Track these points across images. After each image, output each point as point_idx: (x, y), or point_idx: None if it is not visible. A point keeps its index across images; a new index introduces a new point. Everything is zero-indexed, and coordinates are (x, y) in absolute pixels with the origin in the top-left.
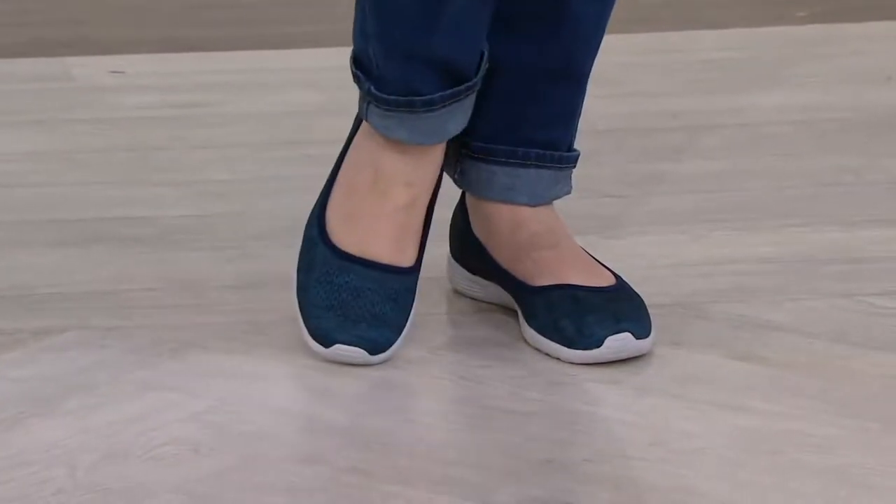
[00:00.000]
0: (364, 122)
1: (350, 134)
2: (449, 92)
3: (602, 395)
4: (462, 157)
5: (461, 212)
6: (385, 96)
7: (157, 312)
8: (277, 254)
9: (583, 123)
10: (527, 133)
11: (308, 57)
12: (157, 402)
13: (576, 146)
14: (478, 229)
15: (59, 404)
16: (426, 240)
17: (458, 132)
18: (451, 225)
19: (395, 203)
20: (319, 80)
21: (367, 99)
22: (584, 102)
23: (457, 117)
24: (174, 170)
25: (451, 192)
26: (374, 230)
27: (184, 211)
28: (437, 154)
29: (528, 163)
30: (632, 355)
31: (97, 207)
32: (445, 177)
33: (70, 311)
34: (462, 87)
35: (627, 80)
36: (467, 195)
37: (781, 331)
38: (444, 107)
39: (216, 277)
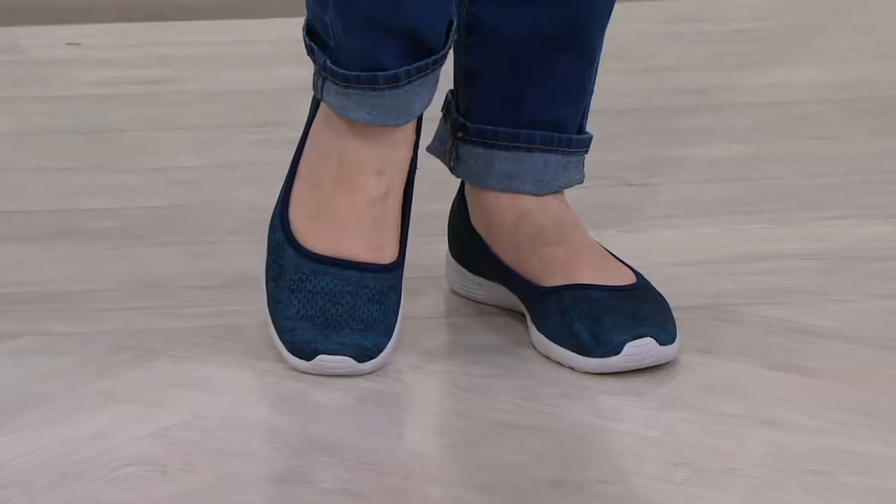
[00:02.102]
0: (322, 103)
1: (308, 118)
2: (415, 66)
3: (620, 409)
4: (458, 141)
5: (459, 204)
6: (343, 71)
7: (120, 316)
8: (255, 249)
9: (598, 103)
10: (530, 113)
11: (292, 27)
12: (121, 416)
13: (588, 128)
14: (478, 223)
15: (12, 419)
16: (407, 232)
17: (424, 111)
18: (449, 219)
19: (367, 195)
20: (305, 53)
21: (322, 74)
22: (598, 78)
23: (423, 94)
24: (139, 154)
25: (448, 183)
26: (345, 227)
27: (150, 201)
28: (408, 135)
29: (533, 147)
30: (654, 364)
31: (51, 198)
32: (440, 164)
33: (23, 315)
34: (430, 59)
35: (648, 53)
36: (466, 185)
37: (822, 336)
38: (409, 82)
39: (186, 276)
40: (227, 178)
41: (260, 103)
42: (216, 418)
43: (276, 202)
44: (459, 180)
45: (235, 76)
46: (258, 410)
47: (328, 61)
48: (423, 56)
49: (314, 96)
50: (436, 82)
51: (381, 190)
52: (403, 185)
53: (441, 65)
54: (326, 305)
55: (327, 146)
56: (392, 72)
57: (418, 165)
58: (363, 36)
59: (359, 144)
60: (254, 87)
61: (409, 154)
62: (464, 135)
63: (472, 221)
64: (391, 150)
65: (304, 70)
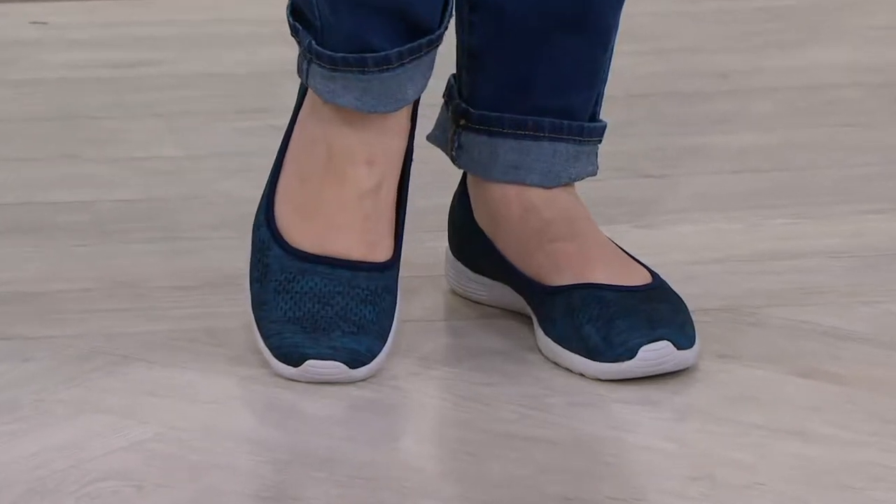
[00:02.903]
0: (309, 88)
1: (296, 105)
2: (407, 47)
3: (634, 419)
4: (460, 129)
5: (461, 197)
6: (329, 53)
7: (92, 318)
8: (238, 246)
9: (611, 88)
10: (538, 98)
11: (277, 5)
12: (93, 427)
13: (602, 115)
14: (481, 218)
15: None
16: (402, 228)
17: (417, 96)
18: (449, 213)
19: (358, 187)
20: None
21: (307, 57)
22: (612, 61)
23: (416, 79)
24: (112, 144)
25: (448, 174)
26: (335, 222)
27: (125, 194)
28: (401, 122)
29: (541, 135)
30: (671, 370)
31: (18, 190)
32: (440, 154)
33: None
34: (424, 40)
35: (664, 33)
36: (468, 177)
37: (853, 340)
38: (401, 65)
39: (164, 275)
40: (208, 169)
41: (243, 88)
42: (196, 429)
43: (261, 197)
44: (461, 172)
45: (217, 58)
46: (242, 421)
47: (313, 42)
48: (417, 36)
49: (301, 83)
50: (431, 65)
51: (372, 182)
52: (398, 176)
53: (436, 46)
54: (315, 307)
55: (314, 135)
56: (382, 53)
57: (415, 156)
58: (351, 15)
59: (348, 133)
60: (237, 70)
61: (404, 143)
62: (467, 122)
63: (475, 216)
64: (383, 138)
65: (291, 51)
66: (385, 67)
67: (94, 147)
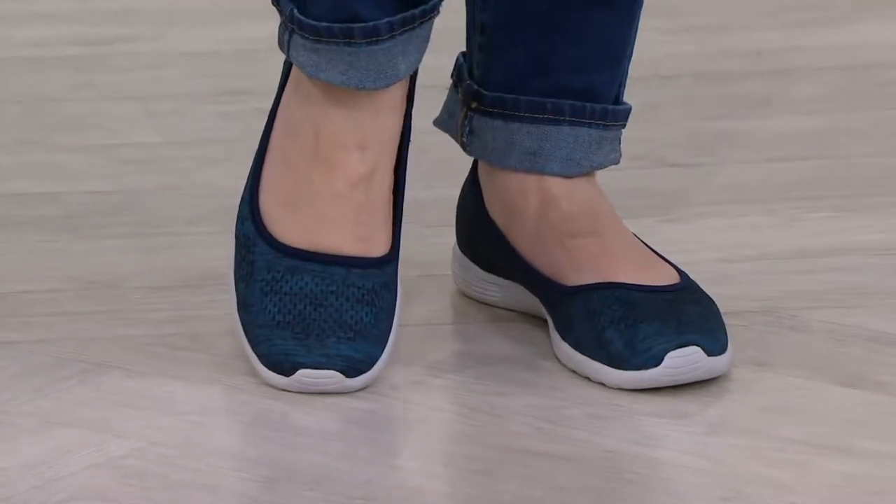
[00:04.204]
0: (294, 65)
1: (280, 83)
2: (399, 17)
3: (660, 433)
4: (472, 113)
5: (471, 188)
6: (312, 22)
7: (61, 322)
8: (221, 241)
9: (636, 68)
10: (558, 78)
11: None
12: (64, 442)
13: (626, 98)
14: (494, 211)
15: None
16: (400, 219)
17: (411, 72)
18: (457, 206)
19: (348, 175)
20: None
21: (288, 27)
22: (637, 38)
23: (409, 52)
24: (83, 129)
25: (455, 162)
26: (325, 214)
27: (96, 185)
28: (395, 100)
29: (561, 119)
30: (701, 378)
31: None
32: (445, 141)
33: None
34: (417, 10)
35: (694, 9)
36: (479, 165)
37: None
38: (392, 37)
39: (140, 274)
40: (188, 157)
41: (227, 67)
42: (177, 444)
43: (244, 187)
44: (470, 160)
45: (198, 35)
46: (227, 435)
47: (295, 11)
48: (409, 6)
49: (286, 58)
50: (427, 38)
51: (364, 168)
52: (393, 161)
53: (432, 17)
54: (307, 309)
55: (299, 117)
56: (371, 24)
57: (418, 143)
58: None
59: (336, 114)
60: (220, 47)
61: (399, 123)
62: (479, 105)
63: (487, 208)
64: (375, 119)
65: (276, 27)
66: (374, 39)
67: (61, 133)
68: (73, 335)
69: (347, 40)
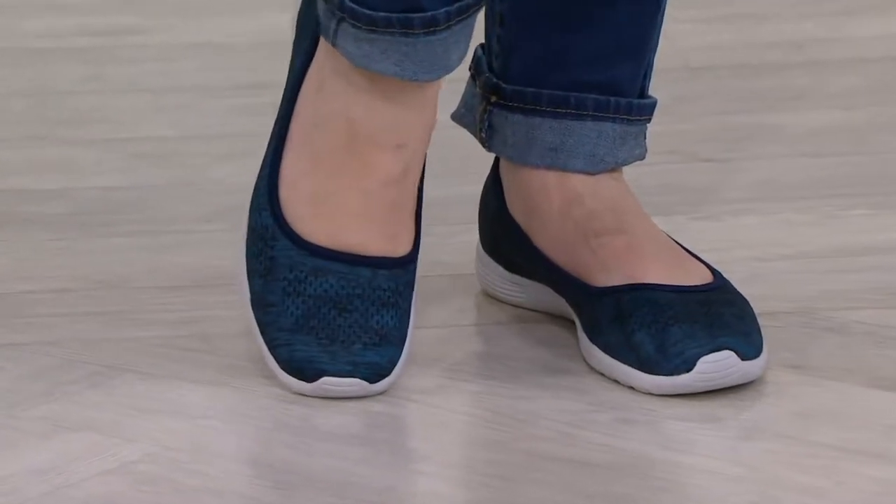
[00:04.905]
0: (323, 50)
1: (294, 67)
2: (456, 7)
3: (691, 438)
4: (491, 107)
5: (493, 185)
6: (369, 12)
7: (69, 323)
8: (234, 240)
9: (667, 59)
10: (580, 72)
11: None
12: (73, 447)
13: (654, 90)
14: (515, 209)
15: None
16: (421, 211)
17: (461, 62)
18: (480, 204)
19: (383, 174)
20: None
21: (337, 15)
22: (663, 28)
23: (461, 43)
24: (91, 123)
25: (478, 159)
26: (354, 212)
27: (105, 181)
28: (433, 97)
29: (584, 113)
30: (734, 383)
31: None
32: (467, 136)
33: None
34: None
35: None
36: (501, 162)
37: None
38: (448, 27)
39: (150, 274)
40: (199, 152)
41: (241, 60)
42: (190, 449)
43: (258, 177)
44: (492, 156)
45: (211, 26)
46: (242, 439)
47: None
48: None
49: (298, 41)
50: (472, 30)
51: (399, 167)
52: (424, 158)
53: (482, 7)
54: (332, 314)
55: (331, 109)
56: (430, 13)
57: (439, 138)
58: None
59: (377, 108)
60: (234, 40)
61: (434, 120)
62: (498, 99)
63: (509, 206)
64: (418, 115)
65: (290, 19)
66: (432, 29)
67: (68, 127)
68: (80, 336)
69: (405, 30)
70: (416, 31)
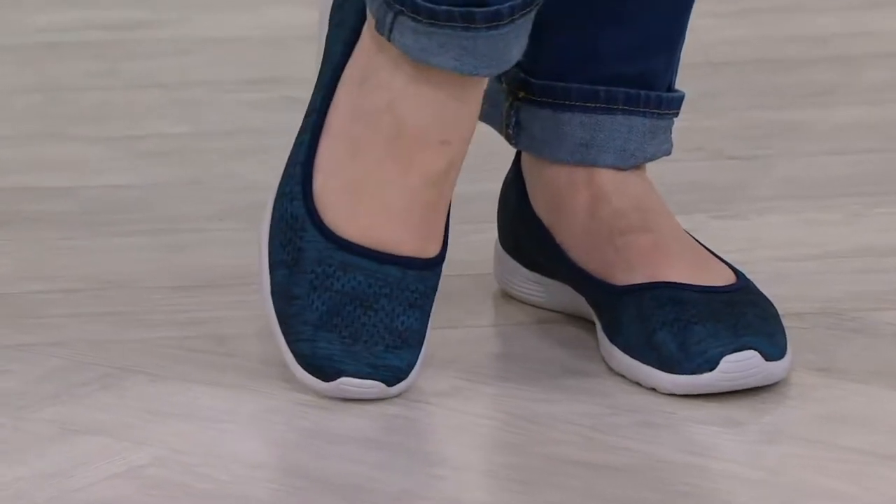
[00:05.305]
0: (372, 43)
1: (332, 57)
2: (520, 1)
3: (714, 442)
4: (518, 102)
5: (514, 182)
6: (431, 6)
7: (78, 324)
8: (248, 239)
9: (689, 53)
10: (610, 65)
11: None
12: (82, 450)
13: (678, 85)
14: (539, 206)
15: None
16: (449, 213)
17: (519, 56)
18: (499, 201)
19: (426, 171)
20: None
21: (394, 8)
22: (690, 22)
23: (522, 37)
24: (102, 119)
25: (497, 155)
26: (390, 207)
27: (116, 178)
28: (479, 94)
29: (615, 107)
30: (758, 384)
31: None
32: (486, 132)
33: None
34: None
35: None
36: (524, 158)
37: None
38: (511, 22)
39: (161, 273)
40: (212, 148)
41: (255, 54)
42: (202, 453)
43: (287, 164)
44: (513, 152)
45: (225, 20)
46: (255, 443)
47: None
48: None
49: (336, 33)
50: (532, 21)
51: (442, 165)
52: (465, 155)
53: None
54: (357, 312)
55: (376, 102)
56: (494, 8)
57: None
58: None
59: (425, 103)
60: (248, 33)
61: (476, 119)
62: (526, 94)
63: (532, 203)
64: (466, 111)
65: (308, 12)
66: (495, 24)
67: (79, 124)
68: (89, 337)
69: (466, 24)
70: (479, 26)
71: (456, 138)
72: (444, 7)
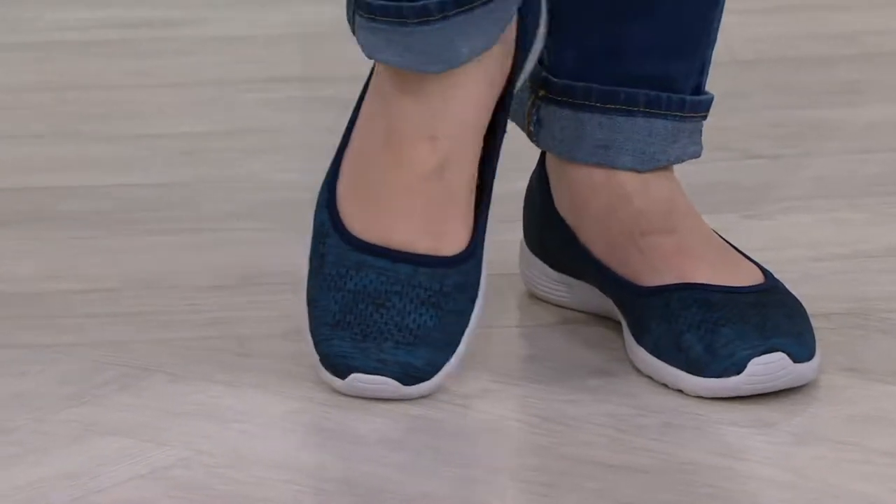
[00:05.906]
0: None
1: (372, 69)
2: None
3: (741, 444)
4: (539, 101)
5: (539, 182)
6: (370, 1)
7: (100, 324)
8: (272, 239)
9: (716, 52)
10: (632, 66)
11: None
12: (104, 451)
13: (707, 87)
14: (562, 206)
15: None
16: (486, 212)
17: (476, 55)
18: (525, 201)
19: (417, 168)
20: None
21: (352, 6)
22: (721, 21)
23: (472, 35)
24: (124, 119)
25: (525, 155)
26: (394, 207)
27: (136, 178)
28: (470, 88)
29: (635, 109)
30: (786, 386)
31: (13, 174)
32: (514, 130)
33: None
34: None
35: None
36: (548, 158)
37: None
38: (444, 18)
39: (180, 273)
40: (230, 147)
41: (277, 52)
42: (225, 454)
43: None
44: (538, 151)
45: (246, 18)
46: (278, 444)
47: None
48: None
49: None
50: (497, 22)
51: (435, 161)
52: (470, 153)
53: (491, 2)
54: (368, 309)
55: (374, 109)
56: (421, 3)
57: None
58: None
59: (406, 101)
60: (269, 31)
61: (477, 113)
62: (547, 93)
63: (556, 204)
64: (447, 107)
65: (333, 9)
66: (425, 19)
67: (100, 122)
68: (109, 338)
69: (400, 20)
70: (409, 22)
71: (445, 133)
72: (379, 2)
